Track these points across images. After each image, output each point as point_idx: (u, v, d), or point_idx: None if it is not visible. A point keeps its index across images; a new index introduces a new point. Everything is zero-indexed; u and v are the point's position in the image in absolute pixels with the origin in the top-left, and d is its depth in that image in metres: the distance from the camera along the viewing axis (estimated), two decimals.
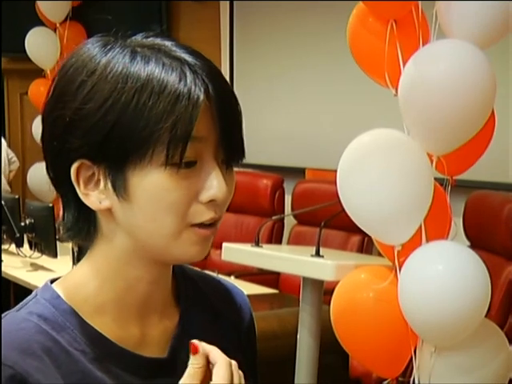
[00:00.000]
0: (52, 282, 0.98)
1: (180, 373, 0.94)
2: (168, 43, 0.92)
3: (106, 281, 0.95)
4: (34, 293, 0.97)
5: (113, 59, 0.89)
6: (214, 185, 0.90)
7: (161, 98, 0.86)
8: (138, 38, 0.93)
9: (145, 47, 0.91)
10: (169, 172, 0.88)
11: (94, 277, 0.95)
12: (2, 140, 6.16)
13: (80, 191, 0.92)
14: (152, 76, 0.87)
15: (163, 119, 0.86)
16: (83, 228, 0.95)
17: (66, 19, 6.02)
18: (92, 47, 0.92)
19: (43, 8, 5.92)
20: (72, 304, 0.94)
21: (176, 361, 0.98)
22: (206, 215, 0.91)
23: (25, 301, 0.96)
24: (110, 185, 0.90)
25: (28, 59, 5.96)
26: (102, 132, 0.87)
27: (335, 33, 3.15)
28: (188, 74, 0.88)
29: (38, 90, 6.07)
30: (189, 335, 0.99)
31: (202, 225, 0.91)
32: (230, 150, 0.92)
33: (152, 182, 0.88)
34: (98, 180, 0.91)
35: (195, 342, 0.89)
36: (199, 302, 1.06)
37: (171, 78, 0.87)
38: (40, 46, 5.96)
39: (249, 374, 1.07)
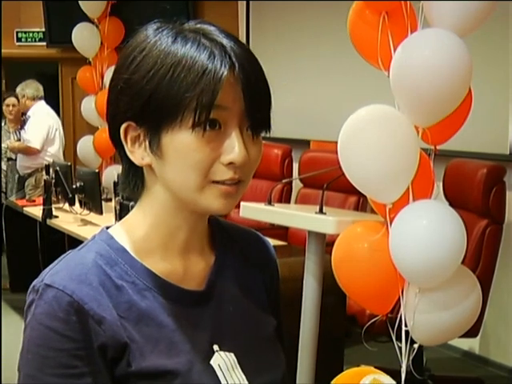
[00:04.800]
0: (107, 228, 0.99)
1: (214, 303, 0.97)
2: (211, 28, 0.91)
3: (152, 228, 0.96)
4: (92, 236, 0.97)
5: (159, 39, 0.90)
6: (234, 149, 0.89)
7: (191, 72, 0.87)
8: (191, 23, 0.93)
9: (190, 31, 0.91)
10: (195, 134, 0.88)
11: (142, 224, 0.96)
12: (57, 117, 6.15)
13: (127, 149, 0.93)
14: (187, 54, 0.88)
15: (191, 89, 0.86)
16: (132, 181, 0.96)
17: (106, 15, 5.99)
18: (148, 30, 0.93)
19: (82, 6, 5.91)
20: (124, 245, 0.95)
21: (211, 293, 0.99)
22: (226, 175, 0.90)
23: (85, 243, 0.97)
24: (147, 144, 0.91)
25: (76, 49, 5.94)
26: (143, 98, 0.88)
27: (339, 25, 3.12)
28: (217, 53, 0.88)
29: (85, 76, 6.06)
30: (223, 273, 1.01)
31: (223, 182, 0.91)
32: (254, 120, 0.92)
33: (181, 142, 0.88)
34: (142, 140, 0.91)
35: None
36: (231, 248, 1.06)
37: (202, 56, 0.87)
38: (84, 38, 5.95)
39: (272, 311, 1.08)
